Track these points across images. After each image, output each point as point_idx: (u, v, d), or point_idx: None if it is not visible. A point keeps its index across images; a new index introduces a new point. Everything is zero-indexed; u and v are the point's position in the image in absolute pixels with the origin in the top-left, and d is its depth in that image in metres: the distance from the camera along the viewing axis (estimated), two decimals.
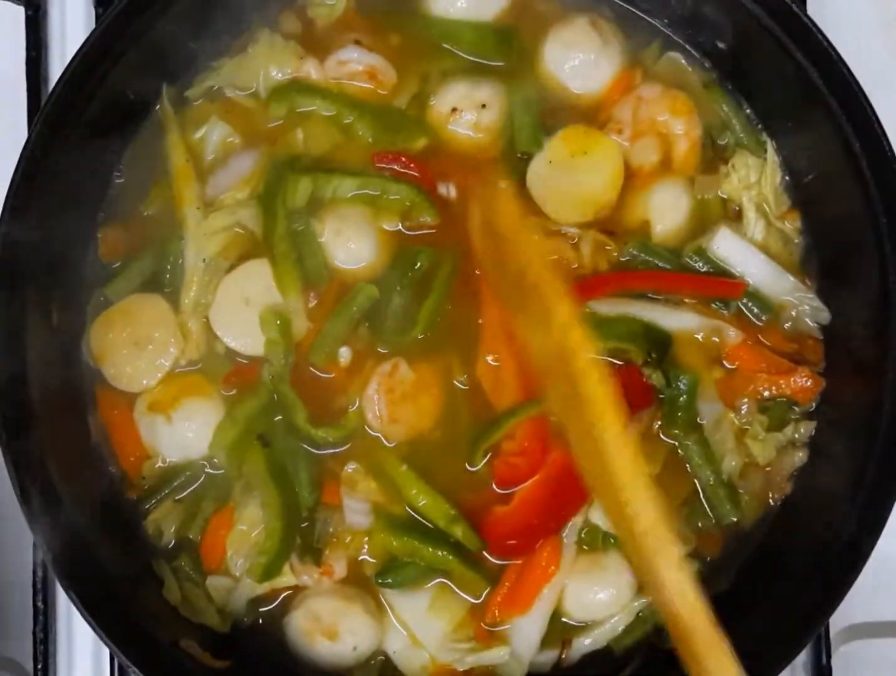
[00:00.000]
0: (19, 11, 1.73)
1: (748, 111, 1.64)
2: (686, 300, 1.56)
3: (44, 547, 1.33)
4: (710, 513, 1.52)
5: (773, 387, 1.53)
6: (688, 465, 1.52)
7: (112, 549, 1.44)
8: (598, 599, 1.48)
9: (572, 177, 1.56)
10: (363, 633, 1.46)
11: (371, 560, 1.49)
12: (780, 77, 1.52)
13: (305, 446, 1.50)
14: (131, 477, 1.53)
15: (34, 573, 1.57)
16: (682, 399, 1.50)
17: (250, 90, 1.61)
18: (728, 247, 1.56)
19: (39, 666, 1.57)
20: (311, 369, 1.52)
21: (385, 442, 1.51)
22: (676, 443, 1.52)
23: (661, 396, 1.51)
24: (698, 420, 1.52)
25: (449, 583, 1.49)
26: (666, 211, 1.58)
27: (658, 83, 1.62)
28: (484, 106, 1.58)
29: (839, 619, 1.60)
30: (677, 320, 1.54)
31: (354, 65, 1.60)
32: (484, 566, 1.48)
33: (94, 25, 1.70)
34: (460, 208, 1.55)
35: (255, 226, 1.55)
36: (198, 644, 1.43)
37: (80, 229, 1.55)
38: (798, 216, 1.60)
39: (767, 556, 1.53)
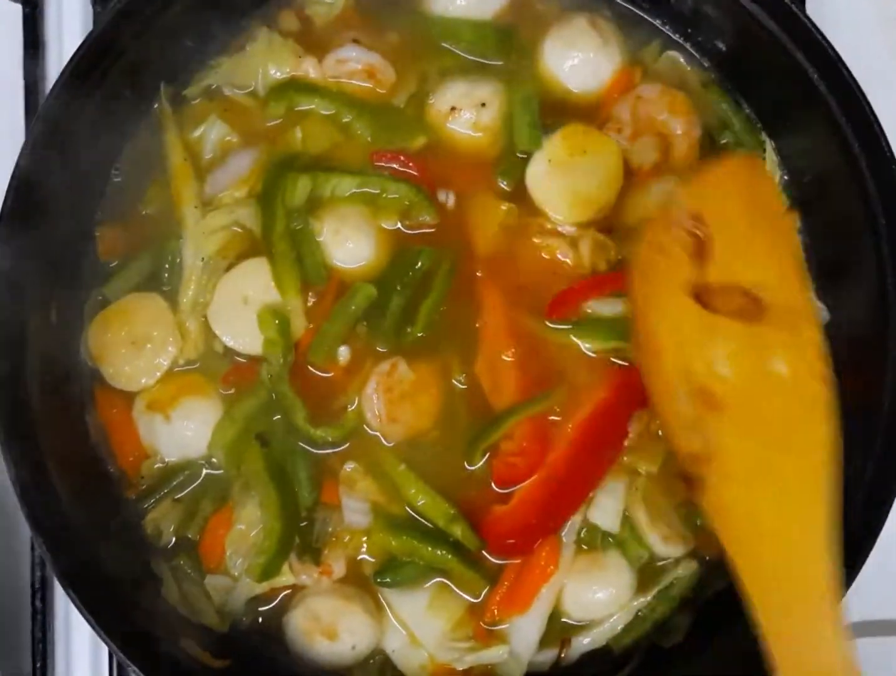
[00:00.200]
0: (17, 9, 1.72)
1: (747, 110, 1.64)
2: None
3: (42, 546, 1.33)
4: None
5: None
6: None
7: (111, 549, 1.44)
8: (596, 598, 1.48)
9: (571, 176, 1.55)
10: (362, 632, 1.46)
11: (370, 559, 1.49)
12: (780, 77, 1.53)
13: (304, 445, 1.50)
14: (130, 476, 1.52)
15: (32, 572, 1.57)
16: None
17: (249, 89, 1.61)
18: None
19: (38, 665, 1.57)
20: (310, 368, 1.52)
21: (384, 441, 1.51)
22: None
23: None
24: None
25: (448, 583, 1.48)
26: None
27: (657, 82, 1.62)
28: (483, 105, 1.58)
29: None
30: None
31: (353, 63, 1.60)
32: (483, 565, 1.48)
33: (91, 23, 1.70)
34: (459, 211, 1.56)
35: (254, 224, 1.54)
36: (197, 644, 1.43)
37: (79, 228, 1.54)
38: (797, 216, 1.60)
39: None
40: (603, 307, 1.52)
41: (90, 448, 1.53)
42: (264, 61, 1.60)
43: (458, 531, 1.45)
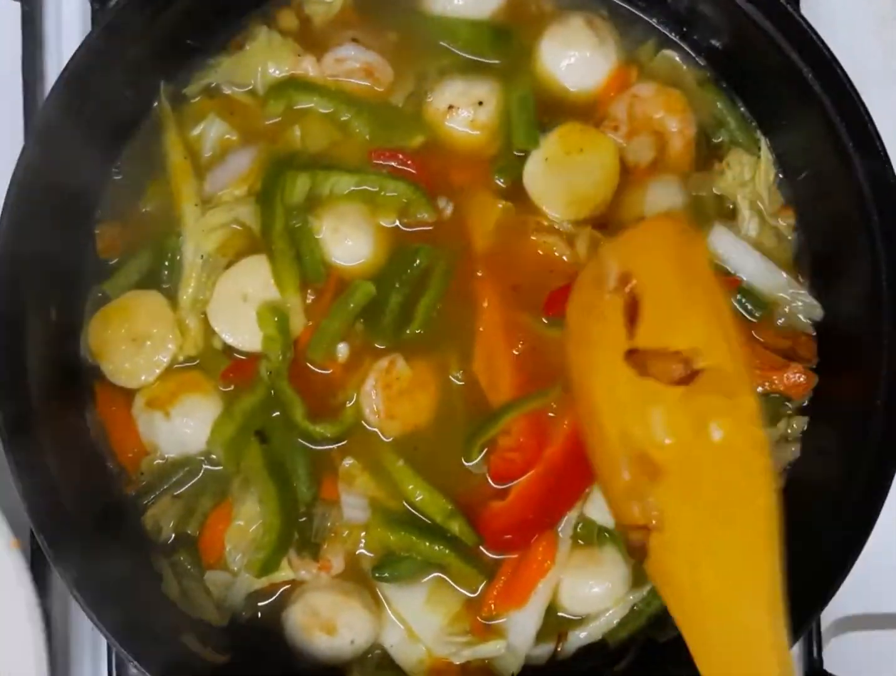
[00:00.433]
0: (16, 7, 1.72)
1: (742, 109, 1.65)
2: None
3: (43, 542, 1.34)
4: None
5: (767, 383, 1.53)
6: None
7: (111, 544, 1.45)
8: (593, 593, 1.50)
9: (568, 174, 1.56)
10: (361, 627, 1.47)
11: (368, 554, 1.50)
12: (775, 75, 1.54)
13: (303, 441, 1.51)
14: (130, 472, 1.53)
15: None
16: None
17: (248, 87, 1.61)
18: (722, 244, 1.57)
19: None
20: (309, 365, 1.53)
21: (382, 437, 1.51)
22: None
23: None
24: None
25: (445, 577, 1.49)
26: (661, 208, 1.58)
27: (653, 81, 1.63)
28: (480, 103, 1.59)
29: (830, 612, 1.61)
30: None
31: (352, 62, 1.61)
32: (480, 560, 1.49)
33: (90, 21, 1.70)
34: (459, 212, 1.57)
35: (253, 222, 1.55)
36: (197, 639, 1.44)
37: (79, 226, 1.55)
38: (792, 213, 1.61)
39: None
40: None
41: (90, 444, 1.54)
42: (264, 60, 1.60)
43: (456, 526, 1.46)
